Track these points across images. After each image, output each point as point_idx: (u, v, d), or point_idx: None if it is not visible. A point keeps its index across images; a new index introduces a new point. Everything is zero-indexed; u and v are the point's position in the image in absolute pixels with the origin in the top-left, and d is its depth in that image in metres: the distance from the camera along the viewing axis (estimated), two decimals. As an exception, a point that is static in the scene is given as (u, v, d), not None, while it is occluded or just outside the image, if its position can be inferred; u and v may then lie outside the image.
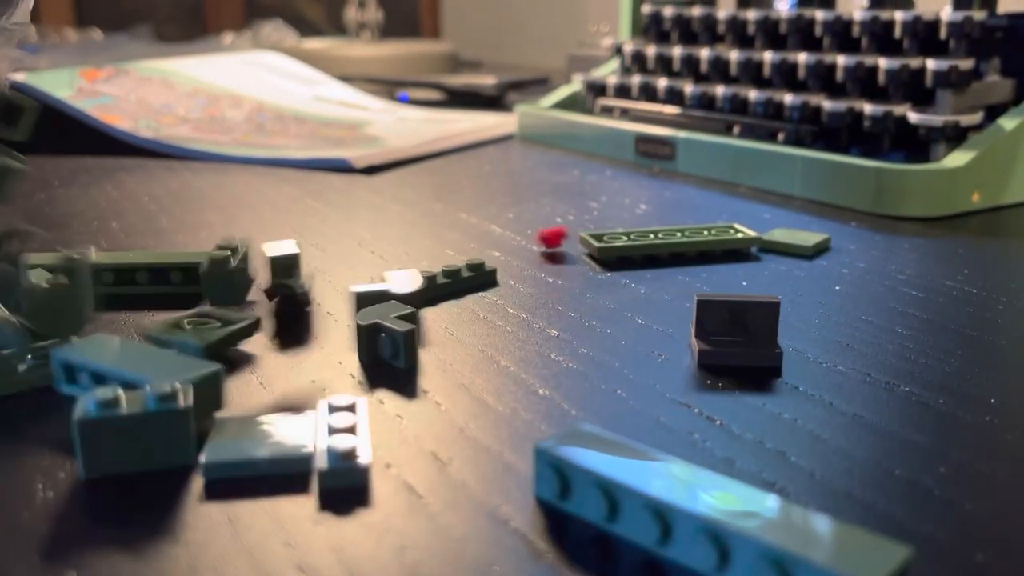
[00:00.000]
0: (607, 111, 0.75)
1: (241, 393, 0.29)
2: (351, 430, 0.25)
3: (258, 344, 0.33)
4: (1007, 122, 0.54)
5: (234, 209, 0.54)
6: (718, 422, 0.27)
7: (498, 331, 0.34)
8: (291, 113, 0.86)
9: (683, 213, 0.53)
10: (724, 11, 0.70)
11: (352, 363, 0.31)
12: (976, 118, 0.55)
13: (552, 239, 0.45)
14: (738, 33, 0.69)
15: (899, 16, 0.58)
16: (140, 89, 0.82)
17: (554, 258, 0.44)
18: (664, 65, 0.73)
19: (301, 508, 0.23)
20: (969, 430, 0.27)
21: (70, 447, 0.25)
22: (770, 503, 0.20)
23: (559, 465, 0.22)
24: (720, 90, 0.66)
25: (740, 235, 0.45)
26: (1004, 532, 0.22)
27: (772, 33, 0.67)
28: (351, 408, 0.26)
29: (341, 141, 0.76)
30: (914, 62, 0.57)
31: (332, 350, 0.33)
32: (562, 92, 0.82)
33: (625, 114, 0.73)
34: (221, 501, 0.23)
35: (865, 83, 0.60)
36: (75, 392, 0.28)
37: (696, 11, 0.71)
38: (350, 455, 0.24)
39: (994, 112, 0.56)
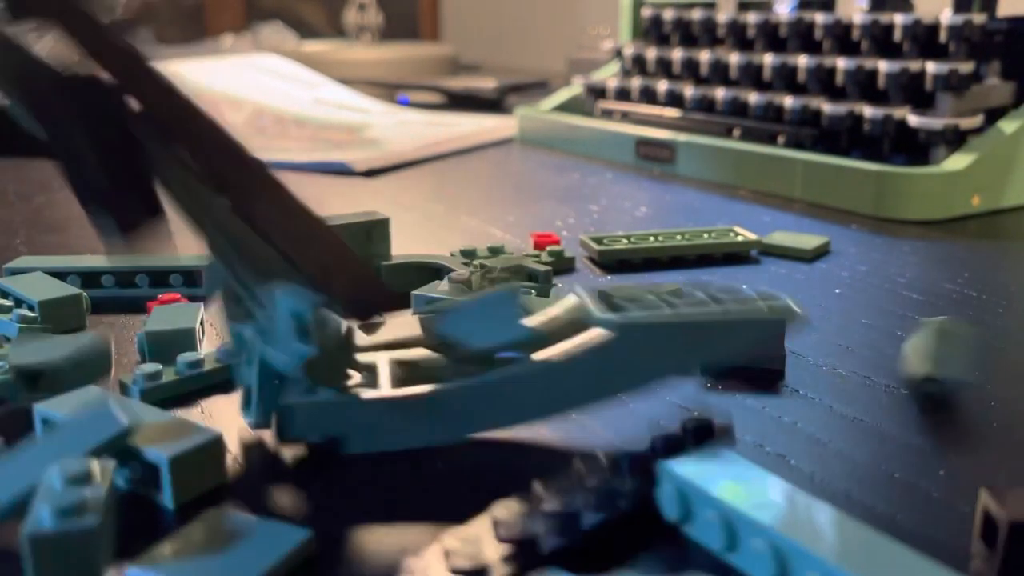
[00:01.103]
0: (607, 114, 0.75)
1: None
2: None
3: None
4: (1007, 125, 0.54)
5: (234, 212, 0.54)
6: (718, 425, 0.27)
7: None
8: (291, 116, 0.86)
9: (683, 216, 0.53)
10: (724, 14, 0.70)
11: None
12: (976, 121, 0.55)
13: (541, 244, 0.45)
14: (738, 36, 0.69)
15: (899, 19, 0.59)
16: (140, 92, 0.82)
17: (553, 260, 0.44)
18: (664, 68, 0.73)
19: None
20: (969, 433, 0.27)
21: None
22: (888, 549, 0.19)
23: (683, 487, 0.21)
24: (720, 93, 0.66)
25: (740, 238, 0.45)
26: (1004, 536, 0.22)
27: (772, 36, 0.67)
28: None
29: (341, 144, 0.76)
30: (914, 65, 0.57)
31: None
32: (562, 95, 0.82)
33: (625, 117, 0.73)
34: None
35: (865, 86, 0.60)
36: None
37: (696, 14, 0.71)
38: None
39: (994, 115, 0.56)
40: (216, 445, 0.24)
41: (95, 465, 0.20)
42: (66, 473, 0.20)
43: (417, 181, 0.64)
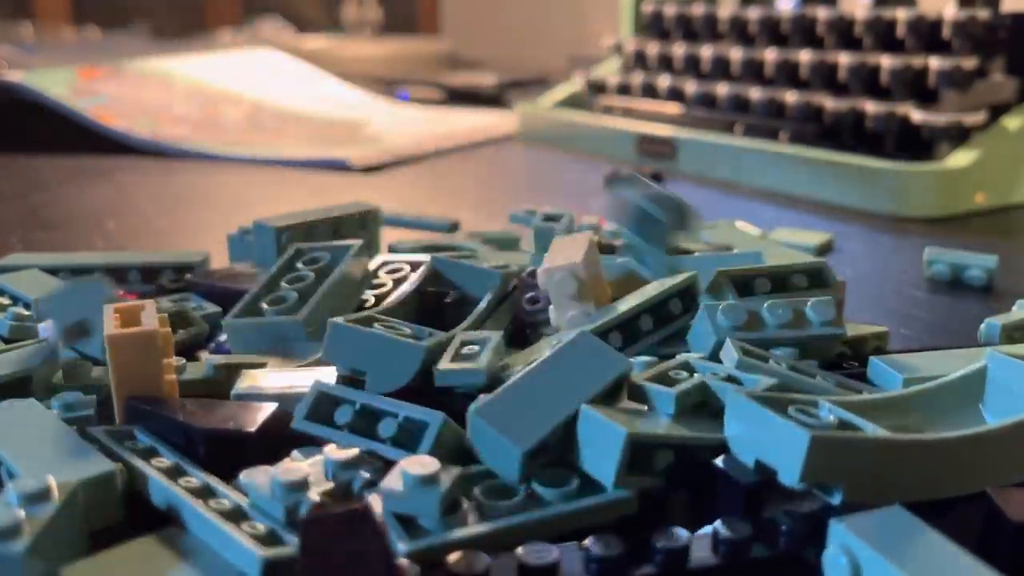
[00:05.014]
0: (608, 110, 0.75)
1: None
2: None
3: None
4: (1011, 121, 0.54)
5: (232, 209, 0.54)
6: (722, 427, 0.27)
7: (499, 334, 0.34)
8: (290, 112, 0.86)
9: (685, 213, 0.53)
10: (726, 9, 0.69)
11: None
12: (980, 118, 0.55)
13: None
14: (740, 31, 0.69)
15: (902, 14, 0.58)
16: (138, 88, 0.82)
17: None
18: (666, 64, 0.73)
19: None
20: (977, 435, 0.26)
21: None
22: None
23: (855, 551, 0.19)
24: (722, 89, 0.66)
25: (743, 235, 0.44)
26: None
27: (774, 31, 0.66)
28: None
29: (340, 140, 0.76)
30: (917, 61, 0.57)
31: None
32: (563, 91, 0.82)
33: (627, 113, 0.73)
34: None
35: (868, 82, 0.60)
36: None
37: (698, 9, 0.71)
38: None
39: (998, 111, 0.56)
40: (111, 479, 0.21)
41: (53, 482, 0.19)
42: (20, 491, 0.19)
43: (416, 178, 0.63)
